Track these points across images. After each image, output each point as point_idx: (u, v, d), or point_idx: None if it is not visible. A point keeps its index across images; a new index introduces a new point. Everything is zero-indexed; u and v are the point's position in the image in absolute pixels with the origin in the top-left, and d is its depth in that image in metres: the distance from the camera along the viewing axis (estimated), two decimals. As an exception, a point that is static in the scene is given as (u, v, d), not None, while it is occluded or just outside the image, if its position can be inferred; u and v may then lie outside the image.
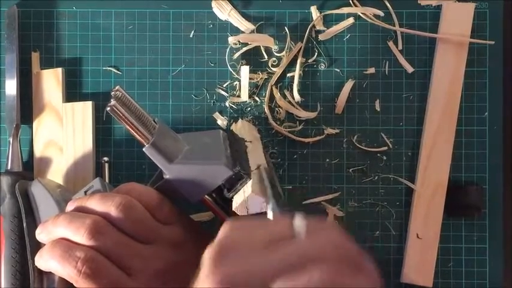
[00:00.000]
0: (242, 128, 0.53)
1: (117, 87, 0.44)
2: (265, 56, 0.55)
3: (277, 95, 0.55)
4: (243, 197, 0.42)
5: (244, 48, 0.55)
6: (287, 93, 0.55)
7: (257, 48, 0.55)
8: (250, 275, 0.26)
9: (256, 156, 0.48)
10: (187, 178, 0.45)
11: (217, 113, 0.55)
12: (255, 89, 0.55)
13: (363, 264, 0.28)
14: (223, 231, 0.29)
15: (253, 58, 0.56)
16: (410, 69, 0.55)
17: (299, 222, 0.29)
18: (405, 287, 0.54)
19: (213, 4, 0.55)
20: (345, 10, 0.55)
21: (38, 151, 0.55)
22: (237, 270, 0.27)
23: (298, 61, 0.55)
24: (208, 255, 0.28)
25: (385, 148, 0.55)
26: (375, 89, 0.56)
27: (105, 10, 0.56)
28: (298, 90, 0.55)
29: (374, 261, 0.28)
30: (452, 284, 0.55)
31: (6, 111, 0.55)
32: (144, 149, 0.44)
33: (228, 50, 0.55)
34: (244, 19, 0.55)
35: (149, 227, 0.44)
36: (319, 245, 0.28)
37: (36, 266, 0.44)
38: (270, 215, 0.34)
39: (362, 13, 0.55)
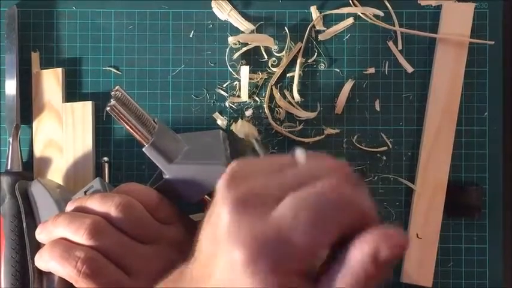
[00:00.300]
0: (242, 128, 0.54)
1: (117, 87, 0.44)
2: (265, 56, 0.55)
3: (277, 95, 0.55)
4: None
5: (244, 48, 0.55)
6: (287, 93, 0.55)
7: (257, 48, 0.56)
8: (262, 194, 0.28)
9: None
10: (187, 178, 0.45)
11: (217, 113, 0.55)
12: (255, 89, 0.55)
13: (361, 184, 0.30)
14: (231, 165, 0.31)
15: (253, 58, 0.56)
16: (410, 69, 0.55)
17: (300, 151, 0.31)
18: (405, 287, 0.54)
19: (213, 4, 0.55)
20: (344, 10, 0.55)
21: (38, 151, 0.55)
22: (249, 190, 0.28)
23: (298, 61, 0.55)
24: (220, 183, 0.29)
25: (385, 148, 0.55)
26: (375, 89, 0.56)
27: (105, 10, 0.56)
28: (298, 90, 0.55)
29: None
30: (452, 284, 0.55)
31: (6, 111, 0.55)
32: (143, 149, 0.44)
33: (227, 50, 0.55)
34: (244, 19, 0.55)
35: (149, 227, 0.44)
36: (321, 166, 0.30)
37: (36, 266, 0.44)
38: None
39: (362, 13, 0.55)
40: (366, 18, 0.55)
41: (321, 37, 0.55)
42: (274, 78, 0.55)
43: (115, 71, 0.56)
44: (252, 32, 0.55)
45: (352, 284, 0.27)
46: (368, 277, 0.27)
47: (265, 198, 0.28)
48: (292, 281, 0.27)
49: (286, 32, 0.55)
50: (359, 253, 0.27)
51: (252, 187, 0.29)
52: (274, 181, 0.29)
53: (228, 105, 0.55)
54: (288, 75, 0.55)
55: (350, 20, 0.55)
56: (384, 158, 0.55)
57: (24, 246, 0.48)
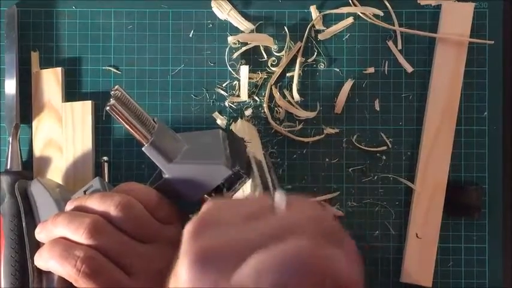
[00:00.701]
0: (242, 128, 0.53)
1: (116, 87, 0.44)
2: (265, 56, 0.55)
3: (276, 94, 0.55)
4: (242, 196, 0.42)
5: (244, 48, 0.55)
6: (286, 92, 0.55)
7: (256, 47, 0.55)
8: (228, 249, 0.26)
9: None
10: (186, 178, 0.45)
11: (216, 112, 0.55)
12: (255, 89, 0.55)
13: (343, 240, 0.27)
14: (204, 207, 0.29)
15: (253, 58, 0.56)
16: (409, 68, 0.55)
17: (279, 196, 0.29)
18: (405, 287, 0.54)
19: (213, 4, 0.55)
20: (344, 10, 0.55)
21: (38, 151, 0.55)
22: (215, 244, 0.26)
23: (298, 61, 0.55)
24: (187, 229, 0.28)
25: (385, 148, 0.55)
26: (375, 89, 0.56)
27: (105, 10, 0.56)
28: (298, 90, 0.55)
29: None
30: (452, 283, 0.55)
31: (6, 110, 0.55)
32: (143, 149, 0.44)
33: (227, 49, 0.55)
34: (243, 19, 0.55)
35: (148, 227, 0.44)
36: (299, 217, 0.28)
37: (35, 266, 0.44)
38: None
39: (361, 13, 0.55)
40: (365, 17, 0.55)
41: (320, 37, 0.55)
42: (274, 77, 0.55)
43: (115, 70, 0.56)
44: (252, 31, 0.55)
45: None
46: None
47: (231, 255, 0.26)
48: None
49: (285, 32, 0.55)
50: None
51: (217, 240, 0.27)
52: (243, 234, 0.27)
53: (227, 105, 0.55)
54: (287, 74, 0.55)
55: (350, 20, 0.55)
56: (384, 157, 0.55)
57: (24, 245, 0.48)
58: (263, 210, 0.29)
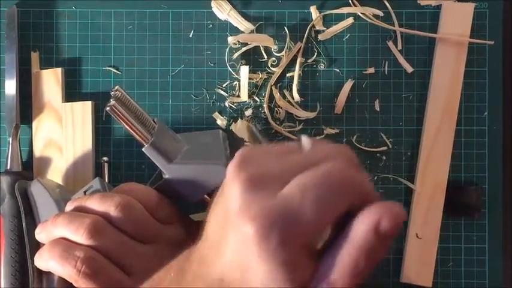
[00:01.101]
0: (241, 128, 0.54)
1: (116, 87, 0.44)
2: (265, 56, 0.55)
3: (276, 95, 0.55)
4: None
5: (244, 48, 0.55)
6: (286, 93, 0.55)
7: (257, 48, 0.56)
8: (272, 174, 0.30)
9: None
10: (186, 178, 0.45)
11: (216, 113, 0.55)
12: (255, 89, 0.55)
13: (363, 169, 0.32)
14: (240, 150, 0.32)
15: (253, 58, 0.56)
16: (409, 69, 0.55)
17: (305, 138, 0.33)
18: (405, 287, 0.54)
19: (213, 4, 0.55)
20: (344, 10, 0.55)
21: (38, 151, 0.55)
22: (258, 172, 0.30)
23: (298, 61, 0.55)
24: (230, 167, 0.30)
25: (385, 148, 0.55)
26: (375, 89, 0.56)
27: (105, 10, 0.56)
28: (298, 90, 0.55)
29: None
30: (452, 283, 0.55)
31: (6, 111, 0.55)
32: (143, 149, 0.44)
33: (227, 50, 0.55)
34: (243, 19, 0.55)
35: (149, 227, 0.44)
36: (326, 151, 0.32)
37: (35, 266, 0.44)
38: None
39: (361, 13, 0.55)
40: (365, 18, 0.55)
41: (320, 37, 0.55)
42: (274, 78, 0.55)
43: (115, 70, 0.56)
44: (252, 32, 0.55)
45: (356, 256, 0.28)
46: (371, 248, 0.28)
47: (274, 179, 0.29)
48: (299, 255, 0.28)
49: (285, 32, 0.55)
50: (362, 225, 0.28)
51: (261, 169, 0.30)
52: (281, 164, 0.31)
53: (227, 105, 0.55)
54: (287, 75, 0.55)
55: (350, 20, 0.55)
56: (384, 157, 0.55)
57: (24, 246, 0.48)
58: (292, 149, 0.33)
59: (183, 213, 0.48)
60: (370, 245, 0.28)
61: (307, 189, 0.28)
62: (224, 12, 0.55)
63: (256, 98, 0.55)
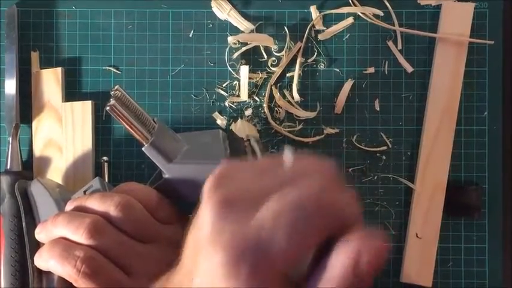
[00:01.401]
0: (241, 128, 0.54)
1: (116, 87, 0.44)
2: (265, 56, 0.55)
3: (276, 94, 0.55)
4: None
5: (244, 48, 0.55)
6: (286, 93, 0.55)
7: (256, 47, 0.55)
8: (247, 195, 0.28)
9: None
10: (186, 178, 0.45)
11: (216, 112, 0.55)
12: (255, 89, 0.55)
13: (345, 187, 0.30)
14: (219, 167, 0.31)
15: (253, 58, 0.56)
16: (409, 68, 0.55)
17: (287, 152, 0.31)
18: (405, 287, 0.54)
19: (213, 4, 0.55)
20: (344, 10, 0.55)
21: (38, 151, 0.55)
22: (234, 192, 0.28)
23: (298, 61, 0.55)
24: (206, 185, 0.29)
25: (385, 148, 0.55)
26: (375, 89, 0.56)
27: (105, 10, 0.56)
28: (298, 90, 0.55)
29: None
30: (452, 283, 0.55)
31: (6, 110, 0.55)
32: (143, 149, 0.44)
33: (227, 49, 0.55)
34: (243, 19, 0.55)
35: (148, 227, 0.44)
36: (308, 167, 0.30)
37: (35, 266, 0.44)
38: None
39: (361, 13, 0.55)
40: (365, 17, 0.55)
41: (320, 37, 0.55)
42: (274, 77, 0.55)
43: (115, 70, 0.56)
44: (252, 31, 0.55)
45: None
46: (350, 285, 0.26)
47: (250, 201, 0.28)
48: (273, 285, 0.26)
49: (285, 32, 0.55)
50: (338, 262, 0.26)
51: (237, 189, 0.29)
52: (258, 183, 0.29)
53: (227, 105, 0.55)
54: (287, 74, 0.55)
55: (350, 20, 0.55)
56: (384, 157, 0.55)
57: (24, 245, 0.48)
58: (273, 164, 0.31)
59: (183, 213, 0.48)
60: (348, 283, 0.26)
61: (280, 215, 0.27)
62: (224, 12, 0.55)
63: (256, 98, 0.55)
